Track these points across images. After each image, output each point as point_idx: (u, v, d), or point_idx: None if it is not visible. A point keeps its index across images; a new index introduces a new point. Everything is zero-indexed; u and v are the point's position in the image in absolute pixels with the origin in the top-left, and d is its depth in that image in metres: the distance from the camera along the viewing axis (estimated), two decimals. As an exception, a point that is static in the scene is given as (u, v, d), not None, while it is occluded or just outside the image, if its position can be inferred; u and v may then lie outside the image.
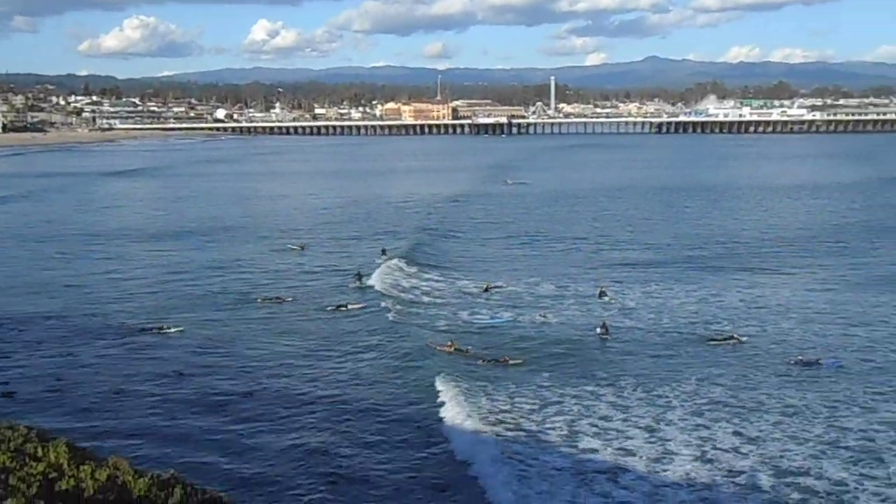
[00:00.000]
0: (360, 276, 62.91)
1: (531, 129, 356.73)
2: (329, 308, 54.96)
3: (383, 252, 73.18)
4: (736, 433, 33.95)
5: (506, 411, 36.47)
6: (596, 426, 34.86)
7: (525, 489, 29.24)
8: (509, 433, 34.28)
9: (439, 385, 39.09)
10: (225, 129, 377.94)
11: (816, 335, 48.48)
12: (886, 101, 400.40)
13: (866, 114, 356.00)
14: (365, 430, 34.55)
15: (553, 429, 34.71)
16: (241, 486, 29.27)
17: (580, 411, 36.55)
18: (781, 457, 31.71)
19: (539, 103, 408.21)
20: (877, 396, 38.06)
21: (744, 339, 47.18)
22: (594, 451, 32.50)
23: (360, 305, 55.46)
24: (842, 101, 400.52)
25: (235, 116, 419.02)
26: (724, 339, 46.96)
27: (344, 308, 54.84)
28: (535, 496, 28.86)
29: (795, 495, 28.83)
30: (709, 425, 34.79)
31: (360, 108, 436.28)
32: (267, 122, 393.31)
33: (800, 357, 43.49)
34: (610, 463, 31.41)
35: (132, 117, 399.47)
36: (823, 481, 29.74)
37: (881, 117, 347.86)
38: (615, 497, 28.86)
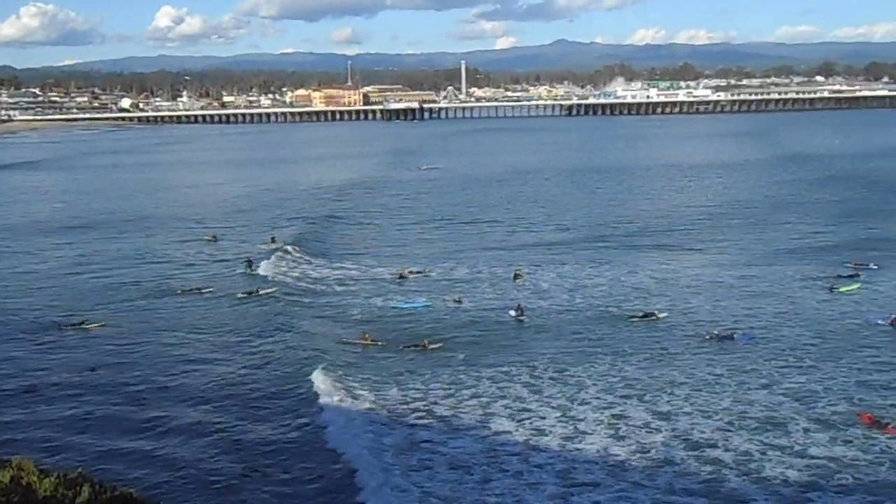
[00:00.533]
0: (249, 263, 62.60)
1: (443, 114, 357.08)
2: (240, 295, 54.29)
3: (272, 240, 72.37)
4: (648, 409, 34.47)
5: (419, 399, 36.28)
6: (510, 408, 34.99)
7: (426, 481, 28.92)
8: (422, 420, 34.12)
9: (350, 381, 38.44)
10: (131, 118, 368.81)
11: (729, 309, 49.62)
12: (787, 80, 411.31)
13: (768, 93, 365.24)
14: (268, 426, 33.93)
15: (467, 412, 34.71)
16: (152, 479, 28.71)
17: (495, 393, 36.66)
18: (691, 430, 32.31)
19: (450, 88, 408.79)
20: (782, 368, 39.10)
21: (663, 314, 48.06)
22: (508, 432, 32.61)
23: (270, 290, 54.88)
24: (745, 82, 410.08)
25: (141, 106, 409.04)
26: (644, 316, 47.69)
27: (255, 294, 54.26)
28: (438, 485, 28.60)
29: (705, 468, 29.38)
30: (621, 403, 35.26)
31: (270, 96, 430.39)
32: (174, 111, 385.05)
33: (715, 332, 44.43)
34: (523, 444, 31.53)
35: (32, 108, 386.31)
36: (731, 453, 30.39)
37: (782, 96, 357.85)
38: (527, 478, 28.95)
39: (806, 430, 32.05)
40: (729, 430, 32.27)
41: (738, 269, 60.15)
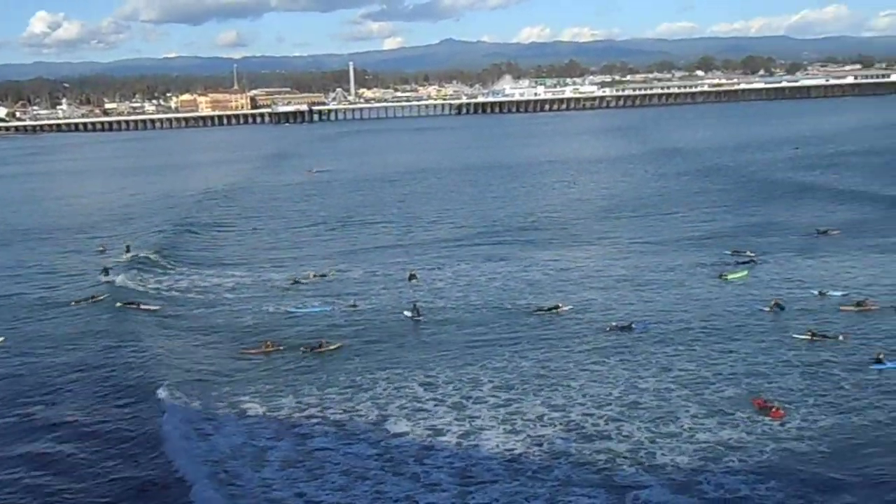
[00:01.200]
0: (106, 271, 61.61)
1: (333, 116, 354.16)
2: (119, 305, 52.84)
3: (127, 249, 70.39)
4: (543, 403, 34.91)
5: (313, 405, 35.88)
6: (407, 408, 34.98)
7: (315, 491, 28.52)
8: (315, 427, 33.69)
9: (242, 390, 37.83)
10: (8, 128, 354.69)
11: (626, 300, 50.77)
12: (668, 75, 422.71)
13: (651, 88, 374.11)
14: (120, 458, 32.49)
15: (362, 416, 34.52)
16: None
17: (391, 394, 36.60)
18: (586, 422, 32.87)
19: (339, 89, 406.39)
20: (674, 356, 40.18)
21: (567, 307, 48.76)
22: (404, 434, 32.55)
23: (154, 307, 53.14)
24: (628, 77, 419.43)
25: (18, 115, 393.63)
26: (549, 310, 48.27)
27: (134, 306, 52.76)
28: (327, 495, 28.18)
29: (599, 458, 29.93)
30: (517, 398, 35.62)
31: (154, 101, 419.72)
32: (54, 119, 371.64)
33: (613, 323, 45.36)
34: (419, 445, 31.53)
35: None
36: (624, 442, 31.05)
37: (665, 91, 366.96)
38: (423, 480, 28.94)
39: (695, 416, 32.95)
40: (622, 420, 32.95)
41: (630, 261, 61.54)
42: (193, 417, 35.00)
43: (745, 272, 55.63)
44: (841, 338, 41.18)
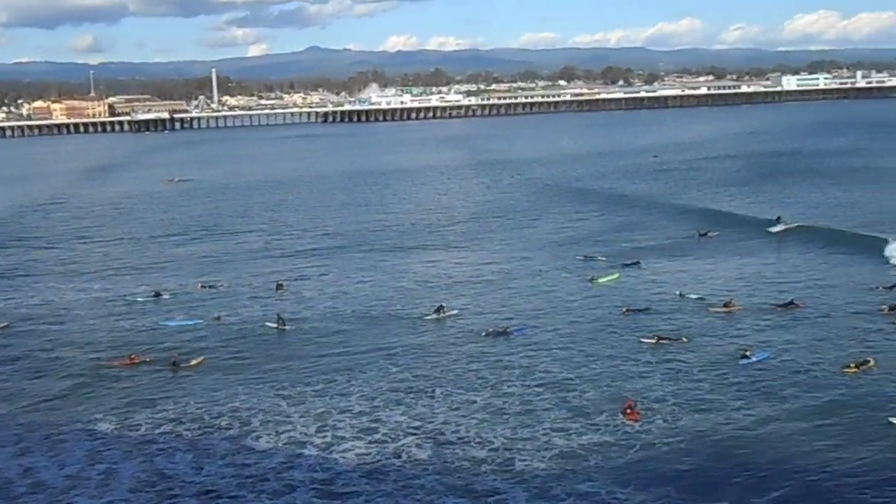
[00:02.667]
0: None
1: (196, 124, 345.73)
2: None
3: None
4: (408, 412, 34.76)
5: (170, 421, 34.66)
6: (269, 422, 34.20)
7: None
8: (169, 446, 32.43)
9: (95, 409, 36.28)
10: None
11: (498, 305, 51.24)
12: (532, 84, 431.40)
13: (516, 97, 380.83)
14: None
15: (221, 432, 33.54)
16: None
17: (254, 408, 35.74)
18: (450, 429, 32.85)
19: (202, 97, 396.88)
20: (543, 360, 40.74)
21: (452, 312, 48.85)
22: (265, 449, 31.74)
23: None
24: (493, 86, 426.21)
25: None
26: (437, 311, 48.39)
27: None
28: None
29: (462, 465, 29.93)
30: (384, 407, 35.36)
31: (5, 108, 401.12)
32: None
33: (490, 328, 45.46)
34: (281, 460, 30.83)
35: None
36: (486, 449, 31.12)
37: (529, 100, 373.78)
38: (285, 497, 28.20)
39: (557, 420, 33.40)
40: (485, 426, 33.06)
41: (501, 266, 62.29)
42: (29, 447, 32.70)
43: (616, 275, 56.73)
44: (684, 339, 42.49)
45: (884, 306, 46.73)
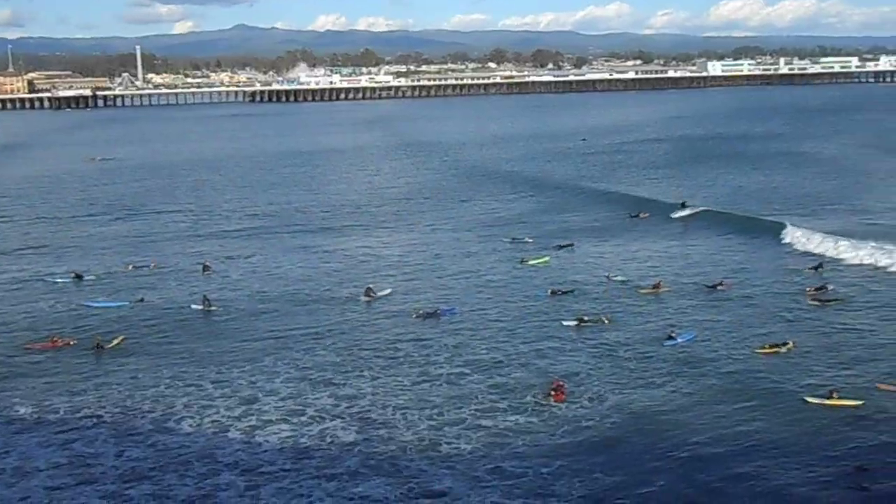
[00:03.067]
0: None
1: (119, 102, 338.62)
2: None
3: None
4: (335, 394, 34.56)
5: (91, 404, 33.95)
6: (194, 405, 33.72)
7: (85, 499, 26.80)
8: (92, 429, 31.75)
9: (11, 393, 35.20)
10: None
11: (429, 286, 51.17)
12: (463, 66, 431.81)
13: (446, 79, 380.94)
14: None
15: (145, 415, 32.93)
16: None
17: (178, 391, 35.23)
18: (376, 411, 32.72)
19: (126, 74, 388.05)
20: (468, 342, 40.66)
21: (384, 292, 48.71)
22: (189, 432, 31.27)
23: None
24: (423, 68, 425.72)
25: None
26: (365, 295, 47.89)
27: None
28: None
29: (388, 448, 29.80)
30: (310, 389, 35.09)
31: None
32: None
33: (420, 309, 45.36)
34: (207, 443, 30.42)
35: None
36: (411, 431, 31.04)
37: (459, 82, 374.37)
38: (211, 480, 27.78)
39: (484, 402, 33.48)
40: (412, 408, 33.00)
41: (432, 247, 62.43)
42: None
43: (546, 258, 57.02)
44: (605, 321, 42.99)
45: (810, 288, 47.87)
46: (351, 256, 59.91)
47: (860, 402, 31.86)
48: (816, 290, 47.38)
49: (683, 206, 72.67)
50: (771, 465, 27.70)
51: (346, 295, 48.96)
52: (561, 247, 60.40)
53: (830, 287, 47.57)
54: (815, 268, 51.96)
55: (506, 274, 53.75)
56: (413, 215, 76.75)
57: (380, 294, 48.53)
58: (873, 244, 55.39)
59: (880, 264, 51.93)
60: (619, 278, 51.03)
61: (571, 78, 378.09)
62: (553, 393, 33.36)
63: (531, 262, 56.05)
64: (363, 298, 48.00)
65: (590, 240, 63.27)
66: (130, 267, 57.44)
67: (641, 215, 71.49)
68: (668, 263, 55.57)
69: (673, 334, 40.18)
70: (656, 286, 48.84)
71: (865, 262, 52.82)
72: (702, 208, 72.30)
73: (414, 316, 44.69)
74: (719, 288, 48.49)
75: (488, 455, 28.93)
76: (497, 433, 30.56)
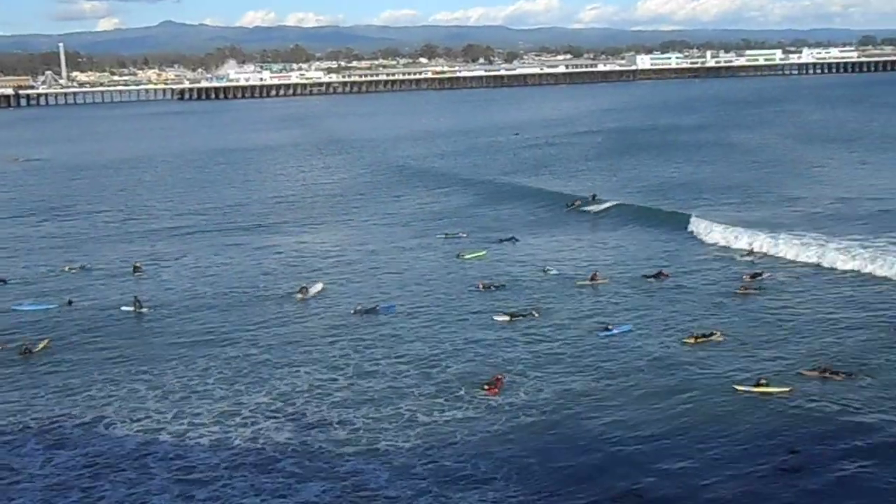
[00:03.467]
0: None
1: (43, 101, 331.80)
2: None
3: None
4: (270, 392, 34.17)
5: (16, 412, 32.91)
6: (125, 409, 32.99)
7: None
8: (17, 437, 30.78)
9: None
10: None
11: (367, 283, 50.82)
12: (394, 62, 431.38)
13: (377, 74, 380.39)
14: None
15: (73, 421, 32.08)
16: None
17: (109, 395, 34.44)
18: (312, 411, 32.37)
19: (49, 72, 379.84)
20: (406, 338, 40.49)
21: (316, 288, 48.23)
22: (120, 437, 30.57)
23: None
24: (354, 64, 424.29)
25: None
26: (300, 293, 47.42)
27: None
28: None
29: (325, 447, 29.47)
30: (245, 389, 34.63)
31: None
32: None
33: (358, 306, 45.07)
34: (137, 446, 29.80)
35: None
36: (347, 429, 30.71)
37: (391, 77, 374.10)
38: (143, 485, 27.19)
39: (423, 397, 33.36)
40: (349, 406, 32.71)
41: (367, 244, 62.07)
42: None
43: (483, 252, 57.13)
44: (535, 314, 43.19)
45: (746, 275, 48.76)
46: (285, 254, 59.36)
47: (788, 389, 32.50)
48: (752, 277, 48.29)
49: (593, 198, 73.05)
50: (702, 452, 28.07)
51: (281, 293, 48.51)
52: (503, 240, 60.67)
53: (766, 275, 48.44)
54: (747, 254, 53.04)
55: (442, 269, 53.73)
56: (347, 212, 76.35)
57: (314, 291, 48.14)
58: (796, 233, 56.61)
59: (802, 256, 52.43)
60: (553, 272, 51.28)
61: (503, 73, 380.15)
62: (488, 387, 33.42)
63: (468, 257, 56.12)
64: (298, 296, 47.58)
65: (526, 233, 63.48)
66: (68, 268, 56.17)
67: (576, 203, 72.04)
68: (604, 254, 56.11)
69: (609, 326, 40.55)
70: (593, 277, 49.24)
71: (789, 252, 53.62)
72: (615, 202, 72.39)
73: (353, 312, 44.41)
74: (660, 277, 49.15)
75: (426, 450, 28.82)
76: (435, 428, 30.46)
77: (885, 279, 46.98)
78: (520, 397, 32.92)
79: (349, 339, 40.51)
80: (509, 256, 56.74)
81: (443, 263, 55.09)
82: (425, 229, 66.48)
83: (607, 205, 71.45)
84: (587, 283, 48.83)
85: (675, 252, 56.20)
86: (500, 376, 34.28)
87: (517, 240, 60.91)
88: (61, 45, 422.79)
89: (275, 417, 31.85)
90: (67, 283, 52.85)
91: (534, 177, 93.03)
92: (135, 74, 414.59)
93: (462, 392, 33.51)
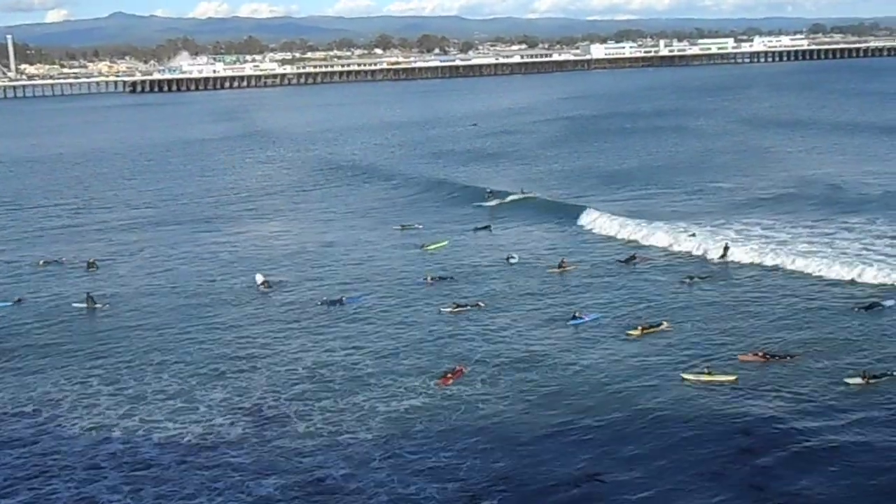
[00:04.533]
0: None
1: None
2: None
3: None
4: (224, 389, 33.77)
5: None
6: (77, 406, 32.51)
7: None
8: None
9: None
10: None
11: (330, 275, 50.49)
12: (349, 53, 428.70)
13: (332, 66, 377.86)
14: None
15: (25, 419, 31.59)
16: None
17: (61, 394, 33.88)
18: (268, 405, 32.14)
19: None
20: (366, 330, 40.28)
21: (279, 280, 48.16)
22: (73, 436, 30.06)
23: None
24: (309, 55, 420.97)
25: None
26: (263, 286, 47.22)
27: None
28: None
29: (283, 441, 29.22)
30: (201, 384, 34.30)
31: None
32: None
33: (324, 298, 44.88)
34: (89, 444, 29.36)
35: None
36: (306, 422, 30.56)
37: (345, 69, 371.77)
38: (93, 481, 26.88)
39: (383, 388, 33.25)
40: (308, 399, 32.51)
41: (328, 235, 61.90)
42: None
43: (444, 242, 57.13)
44: (480, 304, 43.23)
45: (714, 257, 49.74)
46: (242, 247, 58.86)
47: (734, 377, 32.91)
48: (720, 256, 49.45)
49: (490, 194, 72.89)
50: (659, 438, 28.44)
51: (238, 286, 48.12)
52: (478, 229, 60.94)
53: (729, 256, 49.20)
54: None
55: (401, 259, 53.60)
56: (305, 204, 75.94)
57: (272, 285, 47.79)
58: (746, 221, 57.71)
59: (749, 246, 52.72)
60: (514, 260, 51.40)
61: (458, 63, 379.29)
62: (448, 376, 33.46)
63: (430, 248, 56.08)
64: (261, 289, 47.25)
65: (493, 222, 63.35)
66: (42, 262, 55.44)
67: (524, 191, 72.40)
68: (568, 243, 56.41)
69: (577, 314, 40.68)
70: (562, 264, 49.57)
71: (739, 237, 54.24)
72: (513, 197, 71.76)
73: (319, 303, 44.18)
74: (634, 260, 49.94)
75: (386, 442, 28.75)
76: (394, 420, 30.41)
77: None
78: (477, 387, 32.94)
79: (307, 332, 40.30)
80: (472, 245, 56.92)
81: (402, 254, 54.95)
82: (384, 220, 66.30)
83: (495, 202, 70.68)
84: (556, 270, 49.04)
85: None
86: (460, 367, 34.37)
87: (491, 229, 61.01)
88: (9, 37, 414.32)
89: (232, 413, 31.53)
90: (19, 279, 52.01)
91: (493, 166, 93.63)
92: (85, 67, 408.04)
93: (421, 382, 33.47)
